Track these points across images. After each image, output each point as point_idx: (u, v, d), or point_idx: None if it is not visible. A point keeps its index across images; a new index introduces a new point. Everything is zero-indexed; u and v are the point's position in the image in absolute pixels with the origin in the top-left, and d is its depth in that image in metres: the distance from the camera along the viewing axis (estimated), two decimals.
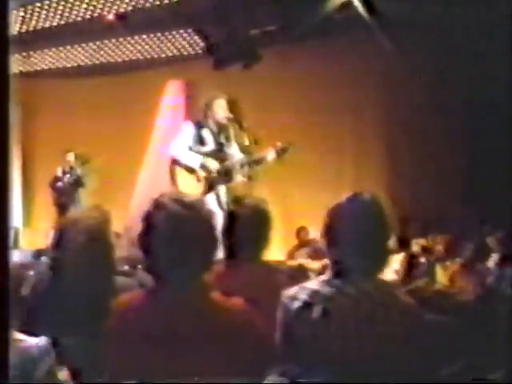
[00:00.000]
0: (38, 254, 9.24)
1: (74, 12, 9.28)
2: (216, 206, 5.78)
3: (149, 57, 10.91)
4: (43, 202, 11.09)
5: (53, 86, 11.63)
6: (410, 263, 8.34)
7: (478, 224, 8.25)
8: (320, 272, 8.87)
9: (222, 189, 6.04)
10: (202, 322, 2.06)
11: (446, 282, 7.56)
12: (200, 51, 10.44)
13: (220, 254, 3.01)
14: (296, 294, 2.33)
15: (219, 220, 5.47)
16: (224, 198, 5.99)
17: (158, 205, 2.15)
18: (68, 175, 10.06)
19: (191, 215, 2.11)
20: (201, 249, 2.13)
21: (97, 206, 2.98)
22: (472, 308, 6.68)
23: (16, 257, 8.92)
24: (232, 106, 6.12)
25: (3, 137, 1.82)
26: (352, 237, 2.33)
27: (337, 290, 2.29)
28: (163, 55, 10.89)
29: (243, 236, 2.97)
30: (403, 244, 8.86)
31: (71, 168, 10.13)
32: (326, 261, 7.69)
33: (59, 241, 2.78)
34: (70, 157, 10.16)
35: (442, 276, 7.69)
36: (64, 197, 9.94)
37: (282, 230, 9.90)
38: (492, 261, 7.29)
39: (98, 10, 9.19)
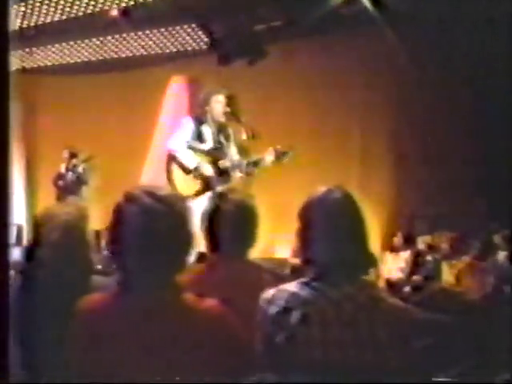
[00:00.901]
0: None
1: (77, 7, 9.13)
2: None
3: (152, 52, 10.75)
4: (47, 199, 10.95)
5: (56, 83, 11.49)
6: (416, 261, 8.21)
7: (485, 222, 8.08)
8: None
9: (221, 189, 5.85)
10: (173, 326, 1.88)
11: (452, 281, 7.42)
12: (204, 47, 10.31)
13: (204, 250, 2.84)
14: (274, 297, 2.13)
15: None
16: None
17: (128, 197, 1.96)
18: (71, 172, 9.98)
19: (164, 210, 1.92)
20: (173, 247, 1.94)
21: (74, 202, 2.80)
22: (478, 308, 6.55)
23: (19, 254, 8.82)
24: (230, 100, 5.94)
25: (3, 134, 1.82)
26: (327, 235, 2.15)
27: (317, 293, 2.10)
28: (167, 51, 10.72)
29: (227, 232, 2.76)
30: (409, 242, 8.74)
31: (74, 165, 10.05)
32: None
33: (35, 236, 2.62)
34: (74, 153, 10.05)
35: (447, 274, 7.54)
36: (67, 194, 9.85)
37: (287, 230, 9.77)
38: (498, 259, 7.14)
39: (101, 5, 9.00)
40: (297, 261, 7.70)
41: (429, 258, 8.12)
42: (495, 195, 8.07)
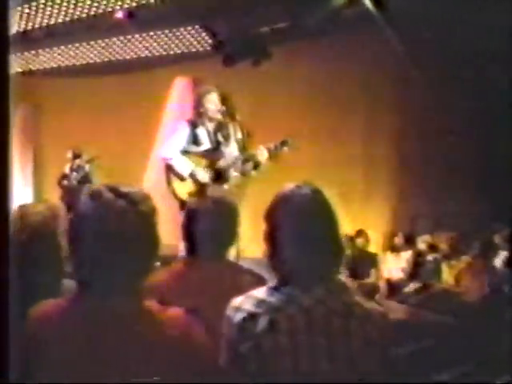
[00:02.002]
0: None
1: (80, 9, 9.05)
2: None
3: (157, 54, 10.64)
4: (53, 200, 10.91)
5: (62, 84, 11.41)
6: (417, 261, 8.08)
7: (486, 222, 7.95)
8: None
9: (220, 189, 5.73)
10: (132, 337, 1.70)
11: (452, 281, 7.30)
12: (209, 48, 10.19)
13: (181, 251, 2.72)
14: (241, 304, 1.96)
15: None
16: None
17: (90, 193, 1.78)
18: (75, 173, 9.92)
19: (126, 206, 1.73)
20: (135, 248, 1.74)
21: (47, 201, 2.67)
22: (477, 309, 6.42)
23: None
24: (224, 99, 5.80)
25: (3, 135, 1.76)
26: (295, 235, 1.96)
27: (286, 299, 1.92)
28: (171, 52, 10.61)
29: (204, 232, 2.60)
30: (409, 242, 8.62)
31: (79, 166, 9.99)
32: None
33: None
34: (78, 154, 10.01)
35: (447, 275, 7.41)
36: (71, 194, 9.80)
37: None
38: (499, 259, 7.01)
39: (104, 6, 8.90)
40: None
41: (429, 257, 7.98)
42: (497, 195, 7.95)
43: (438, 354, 4.99)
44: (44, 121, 11.85)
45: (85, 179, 9.86)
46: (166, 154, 5.78)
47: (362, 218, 9.77)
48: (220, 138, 5.74)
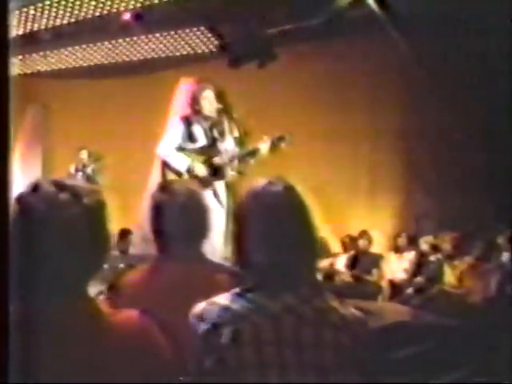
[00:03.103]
0: None
1: (85, 10, 8.93)
2: (215, 203, 5.34)
3: (163, 55, 10.51)
4: None
5: (69, 86, 11.30)
6: (419, 262, 7.92)
7: (490, 223, 7.76)
8: (326, 271, 8.56)
9: (219, 185, 5.58)
10: (80, 343, 1.50)
11: (455, 282, 7.12)
12: (214, 50, 10.07)
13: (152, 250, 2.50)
14: (204, 312, 1.74)
15: (218, 218, 5.01)
16: (224, 194, 5.54)
17: (32, 186, 1.55)
18: (81, 173, 9.79)
19: (69, 200, 1.50)
20: (79, 246, 1.53)
21: None
22: (480, 310, 6.25)
23: None
24: (220, 96, 5.66)
25: (3, 136, 1.54)
26: (264, 236, 1.74)
27: (252, 306, 1.70)
28: (177, 54, 10.48)
29: (173, 229, 2.37)
30: (412, 242, 8.46)
31: (84, 165, 9.86)
32: (333, 259, 7.30)
33: None
34: (84, 154, 9.89)
35: (450, 276, 7.23)
36: None
37: None
38: (502, 260, 6.83)
39: (109, 7, 8.77)
40: None
41: (432, 258, 7.80)
42: (501, 196, 7.76)
43: (440, 356, 4.84)
44: (52, 121, 11.72)
45: (90, 179, 9.72)
46: (162, 150, 5.63)
47: (367, 219, 9.65)
48: (216, 134, 5.59)
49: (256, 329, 1.68)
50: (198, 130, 5.59)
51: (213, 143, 5.58)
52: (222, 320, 1.70)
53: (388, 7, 8.26)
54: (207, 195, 5.33)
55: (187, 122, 5.61)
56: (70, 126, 11.11)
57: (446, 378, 4.62)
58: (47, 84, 11.05)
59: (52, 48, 10.20)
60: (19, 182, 11.65)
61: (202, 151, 5.58)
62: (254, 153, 5.58)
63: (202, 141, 5.59)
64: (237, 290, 1.77)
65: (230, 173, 5.53)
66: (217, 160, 5.55)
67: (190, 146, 5.57)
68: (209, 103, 5.56)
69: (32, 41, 9.64)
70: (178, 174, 5.51)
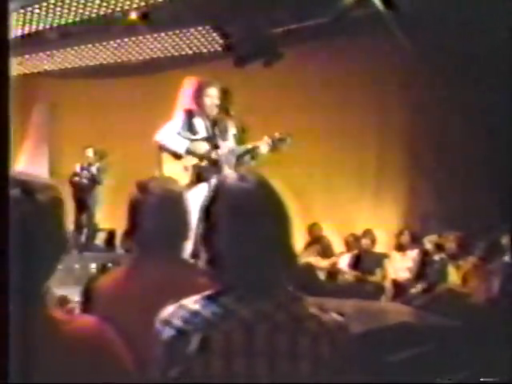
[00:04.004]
0: None
1: (95, 10, 8.81)
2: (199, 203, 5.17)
3: (169, 55, 10.37)
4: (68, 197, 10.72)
5: (76, 84, 11.21)
6: (423, 261, 7.76)
7: (494, 222, 7.60)
8: (329, 271, 8.41)
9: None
10: (34, 349, 1.36)
11: (459, 282, 6.96)
12: (220, 49, 9.95)
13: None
14: (170, 317, 1.56)
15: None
16: None
17: None
18: (85, 171, 9.67)
19: (21, 197, 1.36)
20: (30, 249, 1.37)
21: None
22: (483, 311, 6.10)
23: None
24: (224, 94, 5.50)
25: (3, 137, 1.39)
26: (236, 235, 1.56)
27: (222, 311, 1.52)
28: (183, 53, 10.34)
29: (149, 229, 2.20)
30: (416, 240, 8.32)
31: (89, 164, 9.74)
32: (336, 258, 7.16)
33: None
34: (89, 153, 9.77)
35: (454, 275, 7.07)
36: (82, 192, 9.57)
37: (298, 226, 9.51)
38: (505, 260, 6.66)
39: (113, 6, 8.64)
40: (305, 259, 7.31)
41: (436, 257, 7.64)
42: (506, 196, 7.60)
43: (442, 357, 4.70)
44: (59, 120, 11.62)
45: (95, 177, 9.61)
46: (160, 136, 5.47)
47: (373, 218, 9.53)
48: (217, 132, 5.44)
49: (226, 336, 1.50)
50: (199, 124, 5.44)
51: (213, 137, 5.42)
52: (190, 326, 1.52)
53: (393, 7, 8.12)
54: (202, 188, 5.20)
55: (189, 114, 5.47)
56: (76, 124, 11.04)
57: (449, 379, 4.49)
58: (54, 83, 10.95)
59: (58, 47, 10.08)
60: None
61: (199, 140, 5.43)
62: (253, 151, 5.41)
63: (201, 133, 5.43)
64: (208, 293, 1.59)
65: (228, 171, 5.35)
66: (215, 154, 5.39)
67: (190, 136, 5.41)
68: (212, 100, 5.41)
69: (38, 40, 9.56)
70: (177, 157, 5.35)
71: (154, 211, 2.20)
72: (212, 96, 5.41)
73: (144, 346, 1.56)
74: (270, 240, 1.57)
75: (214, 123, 5.45)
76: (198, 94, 5.48)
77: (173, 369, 1.51)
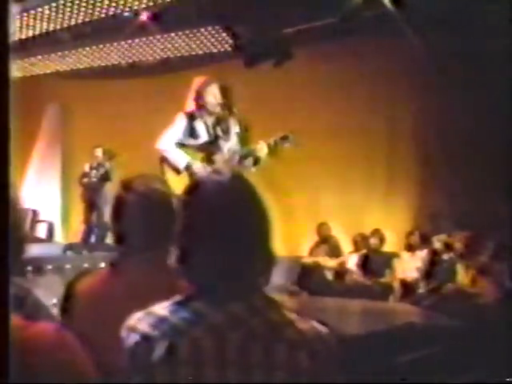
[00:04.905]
0: (67, 247, 8.94)
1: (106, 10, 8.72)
2: None
3: (179, 55, 10.27)
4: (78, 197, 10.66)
5: (88, 85, 11.11)
6: (432, 260, 7.60)
7: (504, 222, 7.42)
8: (338, 271, 8.27)
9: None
10: None
11: (468, 282, 6.80)
12: (230, 49, 9.85)
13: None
14: (137, 323, 1.42)
15: None
16: None
17: None
18: (95, 171, 9.59)
19: None
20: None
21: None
22: (492, 311, 5.95)
23: (47, 250, 8.55)
24: (225, 91, 5.38)
25: (3, 137, 1.33)
26: (206, 235, 1.41)
27: (192, 317, 1.38)
28: (193, 53, 10.23)
29: (131, 229, 2.06)
30: (425, 240, 8.17)
31: (98, 164, 9.66)
32: (344, 258, 7.03)
33: None
34: (98, 152, 9.69)
35: (463, 275, 6.90)
36: (91, 192, 9.49)
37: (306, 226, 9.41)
38: None
39: (122, 6, 8.54)
40: (313, 259, 7.18)
41: (445, 257, 7.48)
42: None
43: (450, 358, 4.55)
44: (71, 120, 11.58)
45: (104, 177, 9.52)
46: (163, 145, 5.37)
47: (382, 217, 9.41)
48: (219, 131, 5.31)
49: (195, 344, 1.35)
50: (200, 127, 5.32)
51: (215, 140, 5.30)
52: (156, 332, 1.38)
53: (403, 6, 7.99)
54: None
55: (190, 117, 5.35)
56: (88, 125, 10.97)
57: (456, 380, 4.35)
58: (66, 84, 10.88)
59: (70, 48, 10.00)
60: (39, 179, 11.59)
61: (202, 148, 5.31)
62: (249, 155, 5.28)
63: (203, 137, 5.32)
64: (179, 297, 1.44)
65: (227, 171, 5.23)
66: (217, 158, 5.26)
67: (191, 142, 5.31)
68: (213, 98, 5.29)
69: (50, 41, 9.49)
70: (176, 170, 5.24)
71: (137, 210, 2.06)
72: (213, 94, 5.30)
73: (120, 351, 1.45)
74: (244, 240, 1.42)
75: (217, 122, 5.33)
76: (199, 94, 5.36)
77: (136, 376, 1.37)
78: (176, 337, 1.35)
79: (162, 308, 1.43)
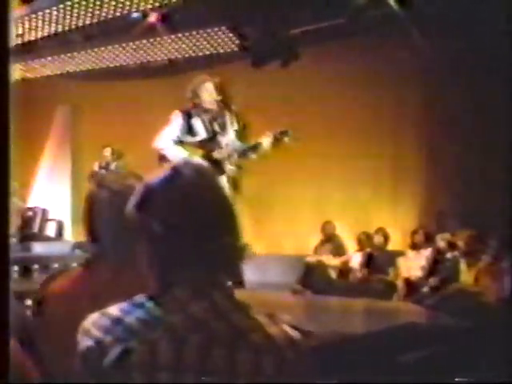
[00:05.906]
0: (75, 246, 8.90)
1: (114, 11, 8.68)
2: None
3: (187, 55, 10.22)
4: None
5: (98, 86, 11.10)
6: (436, 259, 7.51)
7: (507, 222, 7.31)
8: (341, 270, 8.18)
9: (221, 179, 5.23)
10: None
11: (471, 281, 6.69)
12: (238, 50, 9.79)
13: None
14: (91, 325, 1.30)
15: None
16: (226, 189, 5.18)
17: None
18: (103, 170, 9.54)
19: None
20: None
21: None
22: (495, 310, 5.84)
23: (56, 248, 8.50)
24: (221, 89, 5.33)
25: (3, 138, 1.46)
26: (170, 231, 1.30)
27: (150, 319, 1.26)
28: (201, 54, 10.18)
29: (104, 226, 1.97)
30: (429, 239, 8.07)
31: (107, 163, 9.62)
32: (348, 257, 6.95)
33: None
34: (107, 152, 9.68)
35: (466, 274, 6.79)
36: None
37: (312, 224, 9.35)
38: None
39: (129, 6, 8.49)
40: (317, 258, 7.11)
41: (448, 255, 7.37)
42: None
43: (453, 358, 4.46)
44: (81, 120, 11.55)
45: None
46: (160, 143, 5.32)
47: (389, 216, 9.33)
48: (216, 127, 5.26)
49: (150, 348, 1.23)
50: (197, 124, 5.30)
51: (213, 136, 5.26)
52: (109, 336, 1.27)
53: (409, 7, 7.90)
54: None
55: (187, 115, 5.33)
56: (97, 125, 10.91)
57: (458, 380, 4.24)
58: (76, 85, 10.86)
59: (79, 49, 9.97)
60: (50, 178, 11.57)
61: (201, 145, 5.26)
62: (255, 147, 5.23)
63: (201, 134, 5.28)
64: (137, 297, 1.33)
65: (229, 167, 5.18)
66: (216, 154, 5.21)
67: (190, 139, 5.27)
68: (209, 95, 5.25)
69: (60, 42, 9.46)
70: None
71: (107, 207, 1.96)
72: (209, 91, 5.26)
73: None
74: (207, 234, 1.31)
75: (214, 119, 5.29)
76: (195, 92, 5.32)
77: (87, 383, 1.27)
78: (130, 340, 1.24)
79: (116, 309, 1.31)
